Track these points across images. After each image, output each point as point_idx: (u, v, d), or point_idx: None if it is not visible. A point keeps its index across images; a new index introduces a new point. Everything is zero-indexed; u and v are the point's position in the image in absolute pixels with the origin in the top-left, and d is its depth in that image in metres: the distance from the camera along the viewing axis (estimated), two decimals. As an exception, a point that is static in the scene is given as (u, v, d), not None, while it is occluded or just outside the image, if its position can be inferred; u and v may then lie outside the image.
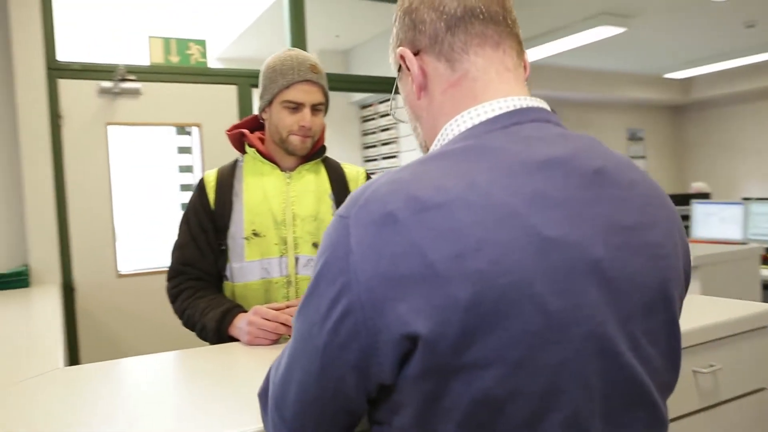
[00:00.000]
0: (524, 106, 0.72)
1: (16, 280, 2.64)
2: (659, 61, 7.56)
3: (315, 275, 0.65)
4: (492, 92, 0.73)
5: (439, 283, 0.57)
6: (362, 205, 0.63)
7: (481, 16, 0.74)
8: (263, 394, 0.78)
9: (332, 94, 1.69)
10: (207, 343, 1.53)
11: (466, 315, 0.57)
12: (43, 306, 2.23)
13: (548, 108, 0.75)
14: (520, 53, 0.78)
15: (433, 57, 0.76)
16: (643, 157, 9.48)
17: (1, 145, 2.86)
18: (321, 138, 1.69)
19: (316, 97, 1.58)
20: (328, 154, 1.74)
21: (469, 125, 0.72)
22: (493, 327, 0.57)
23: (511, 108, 0.71)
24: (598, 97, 8.52)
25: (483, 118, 0.71)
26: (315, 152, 1.68)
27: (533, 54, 6.27)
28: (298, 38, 3.57)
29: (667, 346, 0.70)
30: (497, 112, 0.71)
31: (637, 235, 0.66)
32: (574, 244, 0.61)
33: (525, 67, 0.79)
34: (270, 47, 3.72)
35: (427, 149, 0.81)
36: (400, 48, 0.80)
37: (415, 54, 0.78)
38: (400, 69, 0.82)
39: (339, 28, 5.30)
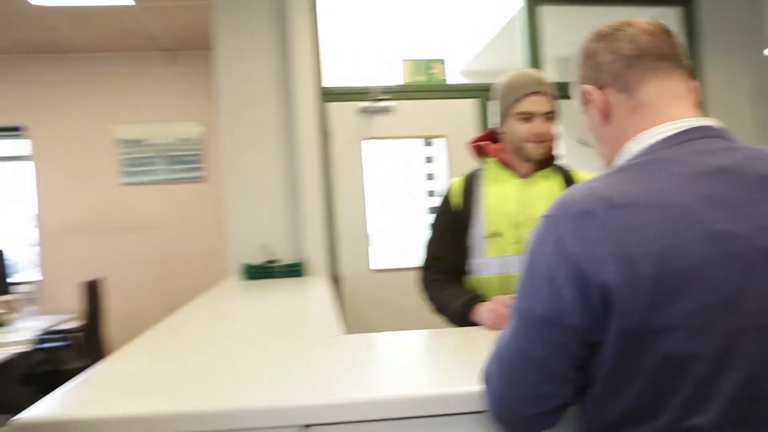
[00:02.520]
0: (694, 126, 0.86)
1: (295, 270, 3.20)
2: None
3: (528, 263, 0.86)
4: (665, 116, 0.88)
5: (631, 263, 0.74)
6: (564, 206, 0.82)
7: (653, 54, 0.89)
8: (486, 374, 0.96)
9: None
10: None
11: (651, 289, 0.73)
12: (316, 291, 2.69)
13: (718, 126, 0.87)
14: (689, 80, 0.91)
15: (614, 90, 0.92)
16: None
17: (283, 159, 3.47)
18: (554, 145, 1.84)
19: (545, 106, 1.75)
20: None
21: (647, 144, 0.87)
22: (674, 300, 0.73)
23: (683, 128, 0.85)
24: None
25: (659, 137, 0.86)
26: (548, 160, 1.84)
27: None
28: (534, 50, 3.71)
29: None
30: (670, 132, 0.85)
31: None
32: (743, 236, 0.74)
33: (694, 92, 0.92)
34: (509, 59, 3.92)
35: (610, 165, 0.96)
36: (586, 86, 0.96)
37: (599, 89, 0.94)
38: (584, 101, 0.99)
39: (574, 35, 5.28)
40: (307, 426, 1.06)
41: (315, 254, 3.33)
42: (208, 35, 4.60)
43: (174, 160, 5.05)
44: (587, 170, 1.87)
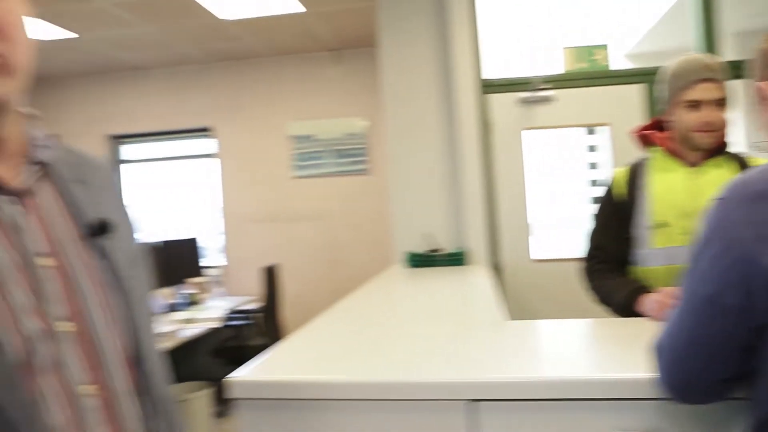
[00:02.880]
0: None
1: (457, 258, 3.30)
2: None
3: (699, 243, 0.87)
4: None
5: None
6: (737, 188, 0.83)
7: None
8: (657, 347, 0.99)
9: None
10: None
11: None
12: (477, 279, 2.77)
13: None
14: None
15: None
16: None
17: (445, 150, 3.58)
18: (726, 132, 1.75)
19: (714, 93, 1.66)
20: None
21: None
22: None
23: None
24: None
25: None
26: (719, 148, 1.75)
27: None
28: (708, 26, 3.46)
29: None
30: None
31: None
32: None
33: None
34: (679, 38, 3.69)
35: None
36: (761, 82, 0.94)
37: None
38: (760, 100, 0.96)
39: (758, 5, 4.82)
40: (474, 401, 1.15)
41: (476, 243, 3.40)
42: (372, 34, 4.83)
43: (341, 153, 5.38)
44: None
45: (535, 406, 1.13)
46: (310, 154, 5.43)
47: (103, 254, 0.77)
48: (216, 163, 5.76)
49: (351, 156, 5.36)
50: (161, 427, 0.80)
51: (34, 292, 0.67)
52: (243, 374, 1.29)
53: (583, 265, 1.93)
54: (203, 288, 5.11)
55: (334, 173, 5.41)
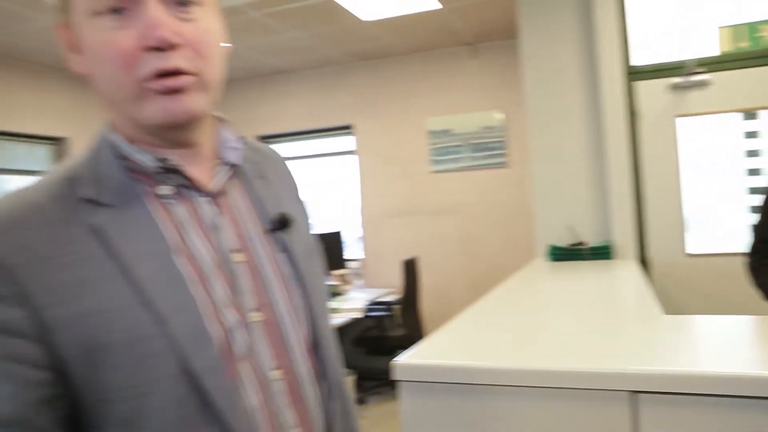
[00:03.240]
0: None
1: (602, 252, 3.20)
2: None
3: None
4: None
5: None
6: None
7: None
8: None
9: None
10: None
11: None
12: (626, 273, 2.68)
13: None
14: None
15: None
16: None
17: (589, 141, 3.48)
18: None
19: None
20: None
21: None
22: None
23: None
24: None
25: None
26: None
27: None
28: None
29: None
30: None
31: None
32: None
33: None
34: None
35: None
36: None
37: None
38: None
39: None
40: (635, 392, 1.14)
41: (623, 237, 3.28)
42: (508, 26, 4.79)
43: (478, 147, 5.38)
44: None
45: (697, 400, 1.11)
46: (448, 149, 5.48)
47: (284, 247, 0.84)
48: (355, 159, 5.98)
49: (489, 149, 5.35)
50: (337, 408, 0.85)
51: (230, 286, 0.75)
52: (406, 358, 1.36)
53: (747, 260, 1.82)
54: (345, 280, 5.35)
55: (471, 167, 5.42)
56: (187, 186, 0.77)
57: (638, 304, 1.91)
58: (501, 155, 5.31)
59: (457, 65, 5.47)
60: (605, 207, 3.40)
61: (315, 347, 0.83)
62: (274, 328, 0.78)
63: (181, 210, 0.75)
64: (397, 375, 1.34)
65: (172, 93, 0.70)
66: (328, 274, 5.26)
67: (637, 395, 1.14)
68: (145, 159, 0.74)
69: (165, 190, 0.75)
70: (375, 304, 4.88)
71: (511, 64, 4.97)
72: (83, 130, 5.63)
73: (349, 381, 0.96)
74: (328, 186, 6.24)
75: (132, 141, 0.75)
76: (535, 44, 3.60)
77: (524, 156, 3.69)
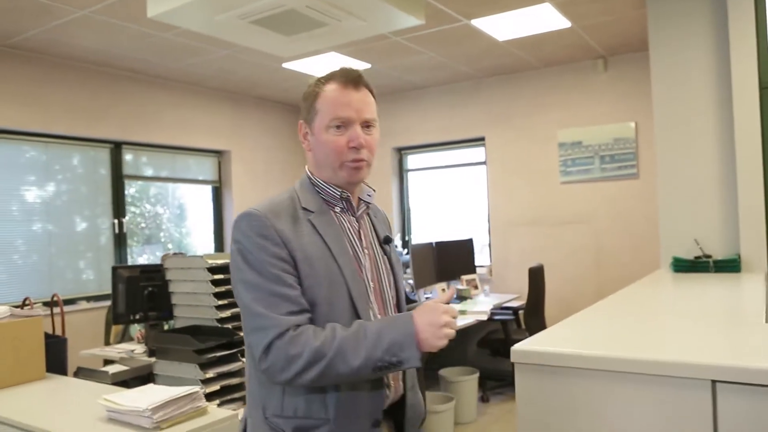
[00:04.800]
0: None
1: (729, 265, 3.23)
2: None
3: None
4: None
5: None
6: None
7: None
8: None
9: None
10: None
11: None
12: (746, 286, 2.73)
13: None
14: None
15: None
16: None
17: (719, 152, 3.49)
18: None
19: None
20: None
21: None
22: None
23: None
24: None
25: None
26: None
27: None
28: None
29: None
30: None
31: None
32: None
33: None
34: None
35: None
36: None
37: None
38: None
39: None
40: (715, 381, 1.35)
41: (752, 250, 3.28)
42: (639, 39, 4.85)
43: (609, 158, 5.44)
44: None
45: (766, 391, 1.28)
46: (578, 160, 5.58)
47: (386, 253, 1.50)
48: (483, 170, 6.24)
49: (618, 161, 5.39)
50: None
51: (361, 266, 1.39)
52: (522, 344, 1.65)
53: None
54: (473, 284, 5.63)
55: (602, 178, 5.49)
56: (348, 209, 1.43)
57: (745, 312, 2.04)
58: (632, 166, 5.33)
59: (589, 78, 5.57)
60: (734, 220, 3.41)
61: (398, 306, 1.48)
62: (379, 292, 1.42)
63: (345, 221, 1.42)
64: (513, 358, 1.62)
65: (357, 169, 1.37)
66: (456, 279, 5.56)
67: (716, 384, 1.35)
68: (332, 191, 1.41)
69: (338, 209, 1.42)
70: (500, 309, 5.11)
71: (643, 76, 5.00)
72: (239, 144, 6.40)
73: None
74: (460, 195, 6.54)
75: (322, 180, 1.42)
76: (665, 56, 3.68)
77: (655, 167, 3.76)
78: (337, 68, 1.41)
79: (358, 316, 1.30)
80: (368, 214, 1.50)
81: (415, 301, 4.27)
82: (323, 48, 4.85)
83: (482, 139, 6.21)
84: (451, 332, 1.22)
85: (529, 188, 5.89)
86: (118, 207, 5.40)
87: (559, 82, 5.72)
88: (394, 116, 6.71)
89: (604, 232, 5.49)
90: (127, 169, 5.50)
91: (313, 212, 1.36)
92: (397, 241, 6.34)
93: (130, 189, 5.60)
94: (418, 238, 6.72)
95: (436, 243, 5.45)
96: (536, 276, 4.95)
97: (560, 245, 5.73)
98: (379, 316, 1.37)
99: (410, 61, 5.43)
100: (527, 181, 5.90)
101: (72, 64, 4.98)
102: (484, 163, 6.26)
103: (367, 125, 1.39)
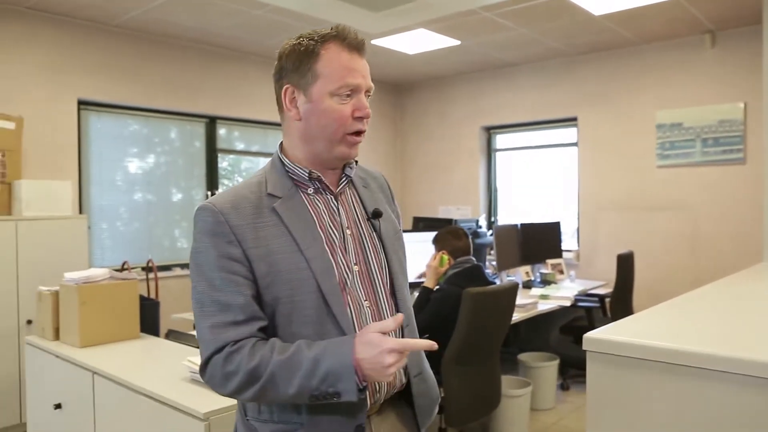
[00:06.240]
0: None
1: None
2: None
3: None
4: None
5: None
6: None
7: None
8: None
9: None
10: None
11: None
12: None
13: None
14: None
15: None
16: None
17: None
18: None
19: None
20: None
21: None
22: None
23: None
24: None
25: None
26: None
27: None
28: None
29: None
30: None
31: None
32: None
33: None
34: None
35: None
36: None
37: None
38: None
39: None
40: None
41: None
42: (753, 12, 4.47)
43: (712, 142, 5.10)
44: None
45: None
46: (678, 143, 5.27)
47: (376, 229, 1.35)
48: (575, 151, 6.02)
49: (724, 144, 5.03)
50: (406, 335, 1.32)
51: (344, 248, 1.27)
52: (594, 333, 1.59)
53: None
54: (558, 269, 5.49)
55: (703, 162, 5.16)
56: (323, 189, 1.30)
57: None
58: (738, 150, 4.96)
59: (693, 55, 5.21)
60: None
61: (393, 291, 1.33)
62: (366, 276, 1.29)
63: (319, 202, 1.29)
64: (585, 345, 1.57)
65: (355, 144, 1.26)
66: (541, 262, 5.44)
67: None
68: (301, 172, 1.28)
69: (310, 190, 1.29)
70: (586, 295, 4.95)
71: (755, 52, 4.62)
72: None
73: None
74: (549, 177, 6.36)
75: (293, 161, 1.29)
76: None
77: (764, 152, 3.48)
78: (329, 26, 1.30)
79: (331, 313, 1.19)
80: (354, 187, 1.37)
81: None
82: (412, 24, 4.83)
83: (574, 119, 5.99)
84: (398, 366, 1.11)
85: (623, 171, 5.63)
86: (212, 179, 5.65)
87: (660, 60, 5.39)
88: (483, 94, 6.59)
89: (704, 220, 5.17)
90: (220, 143, 5.73)
91: (279, 197, 1.24)
92: (482, 221, 6.26)
93: (223, 162, 5.82)
94: (504, 219, 6.62)
95: (522, 225, 5.34)
96: (625, 263, 4.75)
97: (653, 232, 5.45)
98: (366, 305, 1.26)
99: (500, 38, 5.29)
100: (621, 164, 5.64)
101: (170, 41, 5.22)
102: (575, 144, 6.04)
103: (368, 95, 1.27)
